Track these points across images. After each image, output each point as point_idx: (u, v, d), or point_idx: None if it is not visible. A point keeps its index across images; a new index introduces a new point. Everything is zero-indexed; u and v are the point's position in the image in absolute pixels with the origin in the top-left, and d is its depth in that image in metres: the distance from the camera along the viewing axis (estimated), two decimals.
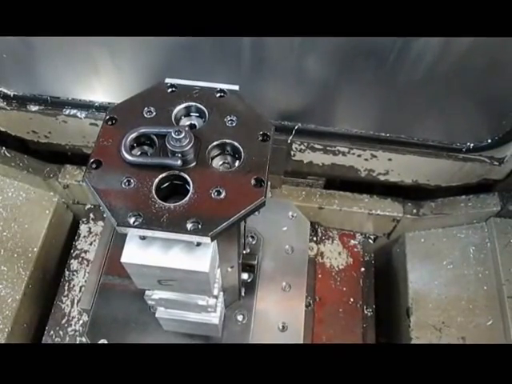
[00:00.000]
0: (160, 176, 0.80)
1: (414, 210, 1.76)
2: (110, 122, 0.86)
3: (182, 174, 0.81)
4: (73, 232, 1.89)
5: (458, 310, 1.63)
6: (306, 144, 1.63)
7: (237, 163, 0.84)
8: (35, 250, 1.73)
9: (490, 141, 1.54)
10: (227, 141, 0.85)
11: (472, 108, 1.51)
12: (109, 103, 1.63)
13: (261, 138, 0.86)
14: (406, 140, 1.59)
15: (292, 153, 1.67)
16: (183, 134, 0.80)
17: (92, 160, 0.82)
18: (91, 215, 1.89)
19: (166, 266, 0.83)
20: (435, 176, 1.72)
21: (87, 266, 1.78)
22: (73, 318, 1.69)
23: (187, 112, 0.91)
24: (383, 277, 1.89)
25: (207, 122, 0.88)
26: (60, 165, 1.83)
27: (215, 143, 0.85)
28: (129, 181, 0.80)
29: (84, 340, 1.63)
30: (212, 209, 0.78)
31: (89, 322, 1.28)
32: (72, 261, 1.80)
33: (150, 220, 0.76)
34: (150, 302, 1.06)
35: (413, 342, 1.60)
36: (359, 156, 1.65)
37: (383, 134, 1.59)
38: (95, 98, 1.64)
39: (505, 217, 1.74)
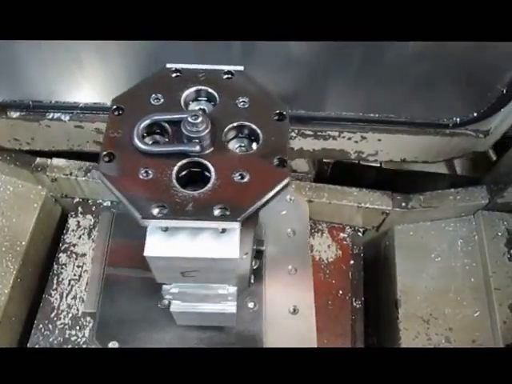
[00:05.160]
0: (179, 164, 0.78)
1: (403, 203, 1.77)
2: (116, 113, 0.83)
3: (202, 160, 0.78)
4: (61, 225, 1.88)
5: (445, 302, 1.65)
6: (296, 131, 1.62)
7: (254, 145, 0.82)
8: (23, 243, 1.72)
9: (475, 114, 1.56)
10: (245, 123, 0.83)
11: (458, 82, 1.52)
12: (94, 103, 1.58)
13: (276, 118, 0.84)
14: (395, 119, 1.60)
15: None
16: (200, 119, 0.77)
17: (104, 153, 0.78)
18: (80, 209, 1.88)
19: (194, 256, 0.80)
20: (423, 152, 1.73)
21: (76, 259, 1.77)
22: (62, 311, 1.68)
23: (196, 96, 0.88)
24: (372, 269, 1.90)
25: (218, 105, 0.85)
26: (48, 158, 1.81)
27: (231, 126, 0.83)
28: (147, 172, 0.77)
29: (70, 334, 1.63)
30: (238, 193, 0.75)
31: (96, 326, 1.24)
32: (61, 254, 1.78)
33: (175, 210, 0.73)
34: (167, 297, 1.02)
35: (401, 333, 1.62)
36: (349, 139, 1.64)
37: (372, 115, 1.59)
38: (80, 99, 1.57)
39: (492, 210, 1.76)
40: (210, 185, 0.76)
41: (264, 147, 0.81)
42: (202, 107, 0.88)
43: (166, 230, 0.80)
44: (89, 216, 1.87)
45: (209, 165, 0.78)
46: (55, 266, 1.76)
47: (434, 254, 1.74)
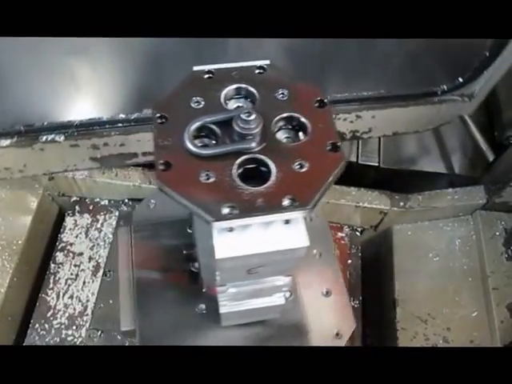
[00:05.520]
0: (237, 162, 0.78)
1: (401, 203, 1.77)
2: (159, 121, 0.83)
3: (259, 155, 0.79)
4: (58, 224, 1.87)
5: (443, 302, 1.65)
6: None
7: (300, 134, 0.83)
8: (20, 242, 1.71)
9: (461, 80, 1.58)
10: (293, 114, 0.84)
11: (443, 50, 1.52)
12: (89, 119, 1.50)
13: (317, 105, 0.85)
14: (387, 95, 1.60)
15: None
16: (254, 116, 0.77)
17: (160, 162, 0.77)
18: (77, 207, 1.87)
19: (267, 251, 0.80)
20: (414, 123, 1.73)
21: (73, 258, 1.76)
22: (58, 310, 1.67)
23: (234, 95, 0.89)
24: (370, 269, 1.90)
25: (259, 100, 0.86)
26: None
27: (280, 117, 0.84)
28: (208, 175, 0.76)
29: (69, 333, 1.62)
30: (301, 182, 0.77)
31: (138, 343, 1.20)
32: (57, 253, 1.78)
33: (246, 207, 0.73)
34: (222, 299, 1.01)
35: (399, 333, 1.62)
36: (345, 120, 1.64)
37: (365, 94, 1.59)
38: (75, 117, 1.49)
39: (490, 209, 1.76)
40: (273, 178, 0.77)
41: (314, 135, 0.82)
42: (240, 105, 0.89)
43: (230, 229, 0.80)
44: (86, 215, 1.86)
45: (267, 159, 0.79)
46: (52, 265, 1.75)
47: (432, 253, 1.74)
